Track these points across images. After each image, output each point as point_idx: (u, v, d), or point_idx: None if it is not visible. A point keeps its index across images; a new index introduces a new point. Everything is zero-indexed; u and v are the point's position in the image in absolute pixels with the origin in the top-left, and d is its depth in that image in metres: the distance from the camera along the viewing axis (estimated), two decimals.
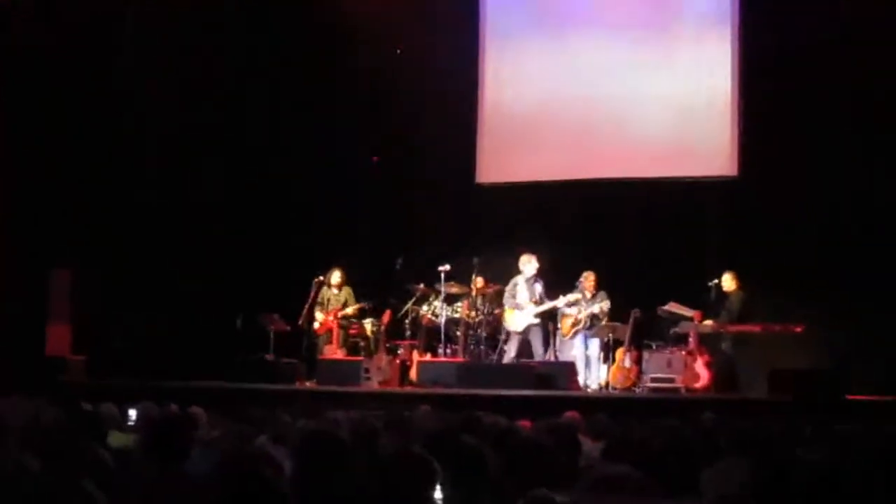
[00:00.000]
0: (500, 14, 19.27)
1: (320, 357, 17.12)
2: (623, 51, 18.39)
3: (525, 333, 16.85)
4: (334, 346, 17.23)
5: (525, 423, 9.09)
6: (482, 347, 17.04)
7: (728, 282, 16.14)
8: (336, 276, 17.56)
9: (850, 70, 16.58)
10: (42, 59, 18.49)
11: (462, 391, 14.81)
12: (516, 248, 17.62)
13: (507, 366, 16.68)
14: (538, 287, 16.87)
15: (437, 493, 4.49)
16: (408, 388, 16.21)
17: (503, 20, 19.26)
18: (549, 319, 17.01)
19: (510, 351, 17.01)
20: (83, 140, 18.78)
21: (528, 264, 16.91)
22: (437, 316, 17.24)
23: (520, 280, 16.96)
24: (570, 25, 18.82)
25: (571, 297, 16.72)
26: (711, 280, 16.14)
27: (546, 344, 16.94)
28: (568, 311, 16.82)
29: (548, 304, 16.75)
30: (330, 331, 17.35)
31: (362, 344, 17.61)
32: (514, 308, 16.91)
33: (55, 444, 5.59)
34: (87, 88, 18.71)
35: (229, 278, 18.76)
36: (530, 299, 16.84)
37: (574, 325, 16.72)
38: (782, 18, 17.07)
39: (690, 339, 15.66)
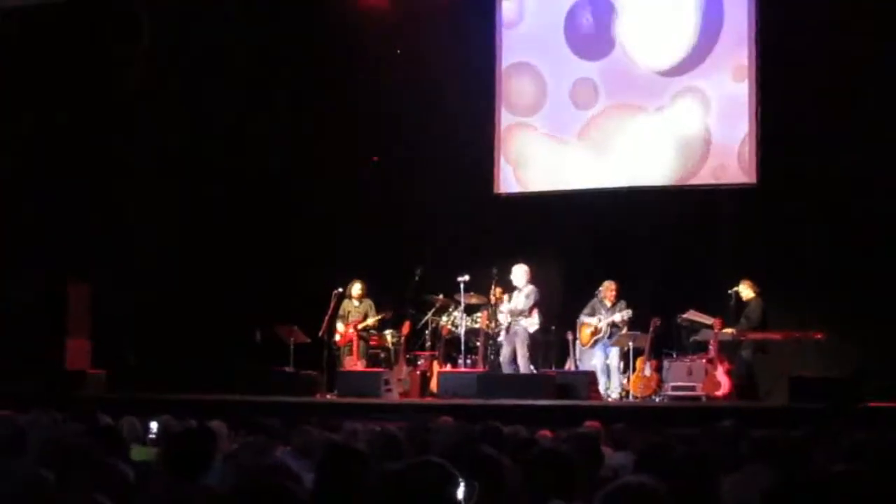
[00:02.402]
0: (515, 25, 19.26)
1: (340, 369, 17.13)
2: (640, 59, 18.39)
3: (507, 344, 16.89)
4: (354, 357, 17.24)
5: (545, 433, 9.09)
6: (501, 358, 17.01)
7: (746, 290, 16.09)
8: (357, 288, 17.56)
9: (869, 77, 16.55)
10: (63, 73, 18.59)
11: (482, 401, 14.82)
12: (535, 257, 17.66)
13: (527, 376, 16.64)
14: (520, 296, 16.89)
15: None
16: (428, 399, 16.22)
17: (520, 31, 19.25)
18: (569, 328, 17.03)
19: (500, 359, 17.05)
20: (103, 154, 18.85)
21: (516, 276, 17.02)
22: (456, 326, 17.23)
23: (514, 293, 17.03)
24: (585, 36, 18.80)
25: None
26: (731, 288, 16.10)
27: (534, 351, 17.01)
28: (588, 320, 16.82)
29: (510, 313, 16.87)
30: (350, 342, 17.35)
31: (382, 355, 17.63)
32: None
33: (75, 459, 5.60)
34: (107, 101, 18.80)
35: (249, 291, 18.78)
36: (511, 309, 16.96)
37: (593, 334, 16.71)
38: (801, 25, 17.02)
39: (710, 348, 15.61)
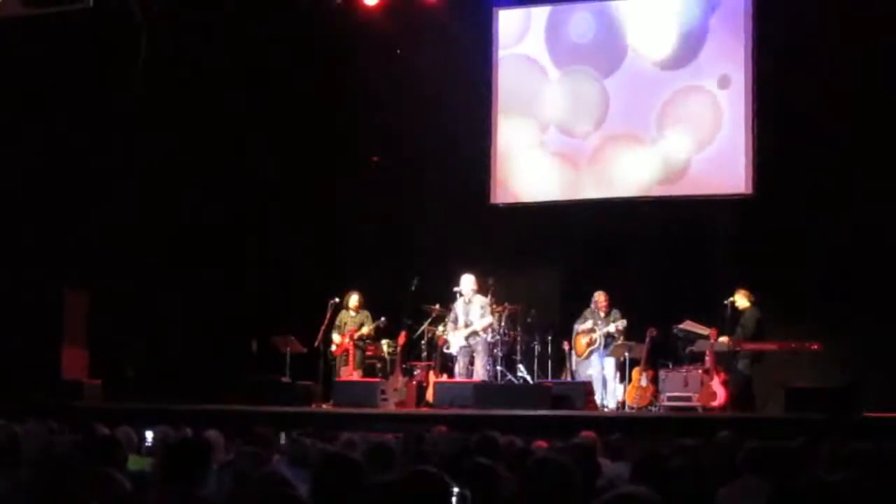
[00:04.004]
0: (511, 42, 19.29)
1: (336, 379, 17.12)
2: (636, 71, 18.43)
3: (462, 355, 16.86)
4: (350, 367, 17.22)
5: (541, 444, 9.09)
6: (498, 368, 16.99)
7: (741, 299, 16.08)
8: (354, 299, 17.55)
9: (866, 88, 16.57)
10: (63, 80, 18.60)
11: (478, 412, 14.79)
12: (531, 268, 17.72)
13: (523, 386, 16.67)
14: (472, 308, 16.83)
15: None
16: (424, 409, 16.20)
17: (515, 47, 19.27)
18: (565, 338, 17.04)
19: (455, 368, 17.03)
20: (102, 161, 18.85)
21: (463, 285, 16.93)
22: None
23: (459, 302, 16.97)
24: (580, 48, 18.85)
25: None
26: (727, 298, 16.09)
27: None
28: (583, 328, 16.82)
29: (469, 329, 16.74)
30: (346, 352, 17.34)
31: (378, 365, 17.62)
32: (451, 331, 16.97)
33: (71, 470, 5.59)
34: (106, 108, 18.81)
35: (246, 301, 18.78)
36: (462, 321, 16.85)
37: (589, 344, 16.71)
38: (797, 36, 17.05)
39: (707, 358, 15.59)
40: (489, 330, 16.73)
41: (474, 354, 16.76)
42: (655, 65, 18.36)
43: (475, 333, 16.67)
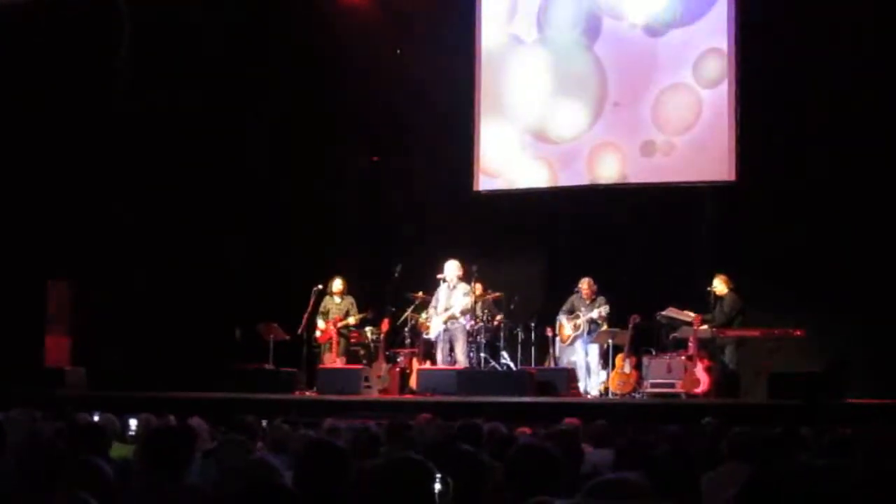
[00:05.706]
0: (494, 23, 19.27)
1: (320, 366, 17.12)
2: (619, 57, 18.42)
3: (442, 341, 16.88)
4: (333, 354, 17.22)
5: (525, 430, 9.10)
6: (482, 355, 17.00)
7: (719, 285, 16.10)
8: (337, 285, 17.55)
9: (847, 75, 16.58)
10: (43, 72, 18.51)
11: (461, 398, 14.81)
12: (515, 255, 17.72)
13: (507, 373, 16.67)
14: (455, 294, 16.85)
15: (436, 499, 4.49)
16: (407, 396, 16.21)
17: (498, 30, 19.26)
18: (549, 325, 17.05)
19: (437, 355, 17.05)
20: (84, 150, 18.78)
21: (448, 271, 16.94)
22: None
23: (442, 288, 16.98)
24: (564, 33, 18.82)
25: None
26: (709, 285, 16.11)
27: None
28: (565, 320, 16.82)
29: (447, 313, 16.78)
30: (330, 339, 17.34)
31: (362, 352, 17.62)
32: (432, 317, 17.01)
33: (54, 458, 5.58)
34: (88, 100, 18.73)
35: (228, 288, 18.74)
36: (443, 306, 16.86)
37: (574, 329, 16.71)
38: (779, 24, 17.06)
39: (690, 345, 15.62)
40: (467, 314, 16.72)
41: (454, 341, 16.78)
42: (644, 31, 18.28)
43: (454, 318, 16.70)
